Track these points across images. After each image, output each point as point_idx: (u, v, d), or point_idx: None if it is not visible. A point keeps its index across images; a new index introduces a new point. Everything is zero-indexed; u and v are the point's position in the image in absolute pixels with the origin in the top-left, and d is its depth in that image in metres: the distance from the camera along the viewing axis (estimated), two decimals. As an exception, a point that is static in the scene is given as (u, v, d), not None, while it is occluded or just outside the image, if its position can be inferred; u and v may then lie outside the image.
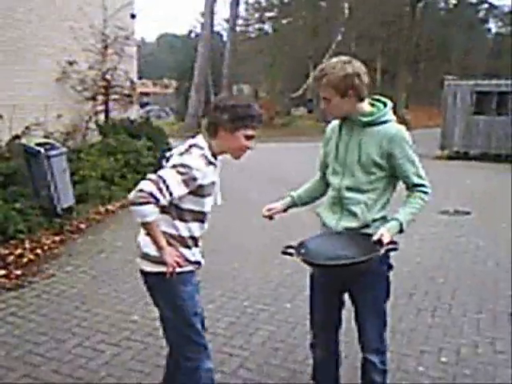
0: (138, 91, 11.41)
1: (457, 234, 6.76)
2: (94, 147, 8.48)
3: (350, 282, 2.57)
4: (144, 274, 2.47)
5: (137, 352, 3.54)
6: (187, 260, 2.42)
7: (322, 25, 31.79)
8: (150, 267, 2.42)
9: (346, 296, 2.67)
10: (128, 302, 4.41)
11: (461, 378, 3.28)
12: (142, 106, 26.85)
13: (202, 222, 2.45)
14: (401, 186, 2.57)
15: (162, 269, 2.36)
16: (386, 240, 2.31)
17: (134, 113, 10.57)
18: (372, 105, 2.52)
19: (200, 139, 2.41)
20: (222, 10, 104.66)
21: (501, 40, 44.01)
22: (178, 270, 2.37)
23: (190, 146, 2.37)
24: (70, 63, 8.50)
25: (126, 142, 8.80)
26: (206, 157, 2.34)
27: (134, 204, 2.22)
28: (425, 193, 2.48)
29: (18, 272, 5.00)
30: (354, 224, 2.46)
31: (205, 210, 2.43)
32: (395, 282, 2.66)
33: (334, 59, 2.45)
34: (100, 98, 9.31)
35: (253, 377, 3.27)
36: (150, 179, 2.24)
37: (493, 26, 50.88)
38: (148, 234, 2.35)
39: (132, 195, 2.23)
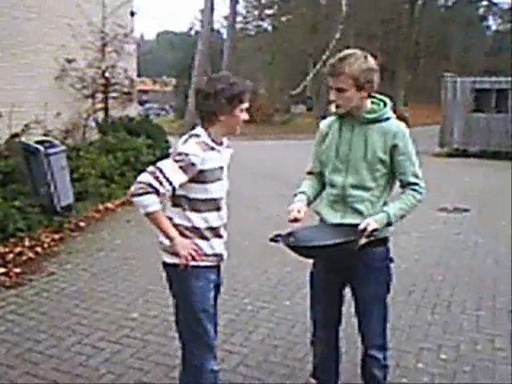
0: (138, 89, 11.39)
1: (456, 231, 6.76)
2: (93, 145, 8.48)
3: (351, 277, 2.58)
4: (163, 264, 2.48)
5: (136, 350, 3.54)
6: (205, 254, 2.40)
7: (321, 22, 31.74)
8: (166, 258, 2.44)
9: (345, 292, 2.68)
10: (127, 299, 4.41)
11: (460, 374, 3.29)
12: (142, 103, 26.86)
13: (218, 209, 2.42)
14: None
15: (176, 260, 2.37)
16: (370, 228, 2.32)
17: (134, 111, 10.55)
18: (372, 102, 2.52)
19: (198, 129, 2.41)
20: (222, 8, 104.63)
21: (500, 37, 44.00)
22: (193, 263, 2.36)
23: (188, 137, 2.39)
24: (69, 61, 8.47)
25: (125, 140, 8.79)
26: (203, 143, 2.34)
27: (133, 196, 2.26)
28: (418, 192, 2.47)
29: (18, 270, 5.00)
30: (359, 221, 2.43)
31: (215, 197, 2.40)
32: (394, 279, 2.66)
33: (351, 51, 2.42)
34: (99, 95, 9.29)
35: (252, 374, 3.27)
36: (147, 171, 2.28)
37: (492, 23, 50.98)
38: (154, 225, 2.33)
39: (132, 188, 2.27)
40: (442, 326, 3.96)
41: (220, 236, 2.48)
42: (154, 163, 2.34)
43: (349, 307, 2.78)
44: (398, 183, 2.57)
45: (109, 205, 7.49)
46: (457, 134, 15.45)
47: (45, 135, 7.36)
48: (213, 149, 2.36)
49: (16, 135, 7.07)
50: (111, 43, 9.33)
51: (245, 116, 2.41)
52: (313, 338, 2.81)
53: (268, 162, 12.75)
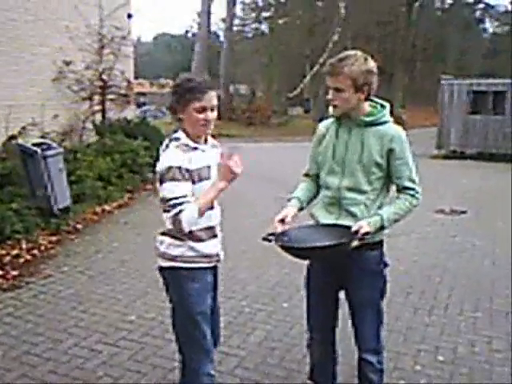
0: (135, 91, 11.39)
1: (453, 233, 6.77)
2: (90, 147, 8.47)
3: (345, 280, 2.57)
4: (159, 269, 2.48)
5: (134, 352, 3.54)
6: (200, 255, 2.40)
7: (318, 25, 31.84)
8: (162, 262, 2.44)
9: (341, 295, 2.68)
10: (125, 302, 4.40)
11: (458, 376, 3.29)
12: (139, 105, 26.82)
13: (210, 209, 2.40)
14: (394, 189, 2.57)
15: (173, 264, 2.38)
16: (362, 231, 2.32)
17: (131, 113, 10.56)
18: (370, 105, 2.52)
19: (178, 132, 2.39)
20: (219, 10, 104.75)
21: (497, 40, 44.19)
22: (188, 265, 2.37)
23: (168, 142, 2.38)
24: (67, 63, 8.48)
25: (122, 142, 8.78)
26: (183, 145, 2.32)
27: (181, 231, 2.28)
28: (414, 198, 2.46)
29: (15, 272, 4.99)
30: (353, 224, 2.42)
31: None
32: (391, 280, 2.66)
33: (352, 52, 2.42)
34: (96, 97, 9.29)
35: (250, 376, 3.27)
36: (166, 216, 2.31)
37: (489, 25, 51.07)
38: (210, 200, 2.32)
39: (173, 230, 2.32)
40: (440, 328, 3.96)
41: (215, 236, 2.48)
42: (151, 165, 2.33)
43: (346, 309, 2.78)
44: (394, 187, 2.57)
45: (106, 207, 7.48)
46: (454, 136, 15.47)
47: (42, 137, 7.36)
48: (195, 149, 2.35)
49: (13, 137, 7.07)
50: (109, 45, 9.34)
51: (203, 116, 2.31)
52: (309, 341, 2.80)
53: (265, 164, 12.75)
